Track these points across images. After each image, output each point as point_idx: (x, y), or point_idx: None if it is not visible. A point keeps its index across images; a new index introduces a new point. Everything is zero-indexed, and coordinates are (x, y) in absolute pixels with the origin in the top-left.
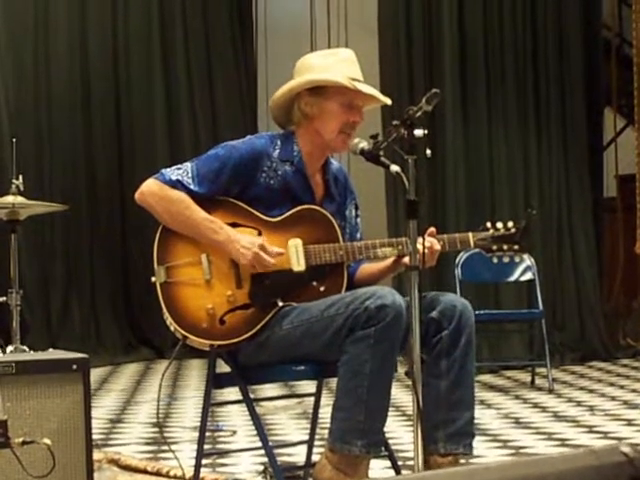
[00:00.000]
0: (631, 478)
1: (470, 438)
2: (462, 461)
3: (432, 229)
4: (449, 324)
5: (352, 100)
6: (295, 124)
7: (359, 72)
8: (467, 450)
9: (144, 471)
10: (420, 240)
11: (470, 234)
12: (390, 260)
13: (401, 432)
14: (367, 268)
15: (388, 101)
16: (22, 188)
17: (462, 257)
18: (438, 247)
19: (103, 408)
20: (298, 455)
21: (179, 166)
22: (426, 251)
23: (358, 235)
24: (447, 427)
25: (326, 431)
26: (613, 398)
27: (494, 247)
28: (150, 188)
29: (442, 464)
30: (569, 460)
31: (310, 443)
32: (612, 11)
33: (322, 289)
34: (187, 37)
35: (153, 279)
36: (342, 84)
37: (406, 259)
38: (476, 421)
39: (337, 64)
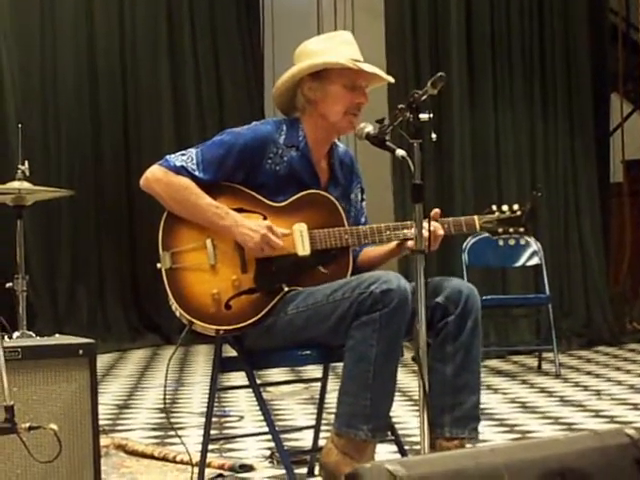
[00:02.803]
0: (635, 460)
1: (475, 422)
2: (468, 445)
3: (436, 211)
4: (455, 309)
5: (355, 81)
6: (299, 110)
7: (359, 53)
8: (472, 434)
9: (151, 456)
10: (425, 224)
11: (476, 217)
12: (394, 243)
13: (407, 417)
14: (371, 251)
15: (391, 79)
16: (28, 173)
17: (469, 242)
18: (441, 232)
19: (110, 394)
20: (305, 440)
21: (184, 152)
22: (425, 234)
23: (363, 219)
24: (453, 411)
25: (332, 416)
26: (619, 382)
27: (500, 230)
28: (155, 174)
29: (447, 448)
30: (573, 442)
31: (316, 428)
32: None
33: (327, 273)
34: (194, 24)
35: (158, 265)
36: (344, 65)
37: (410, 242)
38: (483, 406)
39: (337, 47)
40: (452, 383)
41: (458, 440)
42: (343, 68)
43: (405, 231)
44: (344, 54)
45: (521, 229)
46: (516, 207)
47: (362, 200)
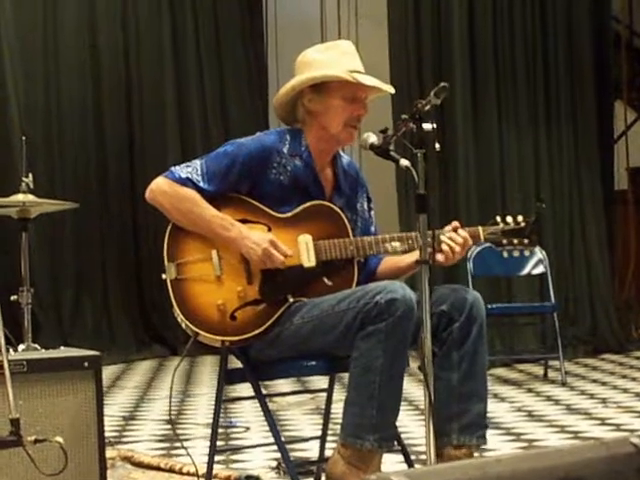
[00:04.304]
0: None
1: (483, 429)
2: (476, 454)
3: (456, 223)
4: (460, 316)
5: (355, 93)
6: (300, 121)
7: (360, 64)
8: (480, 441)
9: (157, 468)
10: (445, 234)
11: (480, 228)
12: (416, 255)
13: (413, 426)
14: (390, 261)
15: (391, 90)
16: (32, 186)
17: (474, 251)
18: (471, 242)
19: (116, 405)
20: (311, 450)
21: (188, 164)
22: (457, 248)
23: (372, 228)
24: (460, 419)
25: (339, 426)
26: (625, 390)
27: (504, 241)
28: (160, 186)
29: (455, 456)
30: (579, 452)
31: (323, 438)
32: (622, 3)
33: (332, 284)
34: (197, 32)
35: (164, 276)
36: (343, 78)
37: (439, 256)
38: (489, 414)
39: (337, 58)
40: (458, 391)
41: (466, 448)
42: (343, 81)
43: (410, 242)
44: (344, 66)
45: (525, 241)
46: (520, 219)
47: (370, 210)
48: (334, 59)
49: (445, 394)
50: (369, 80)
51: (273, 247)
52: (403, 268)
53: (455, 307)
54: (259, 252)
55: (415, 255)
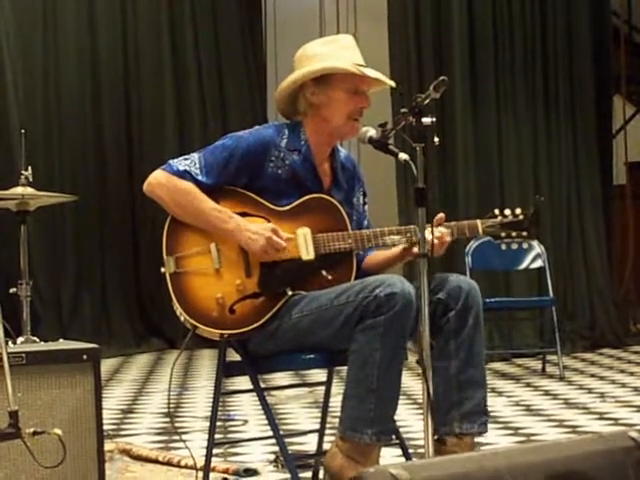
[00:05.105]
0: (638, 462)
1: (484, 416)
2: (477, 440)
3: (441, 215)
4: (456, 304)
5: (358, 86)
6: (302, 114)
7: (361, 57)
8: (482, 429)
9: (155, 461)
10: (429, 229)
11: (478, 221)
12: (399, 248)
13: (412, 420)
14: (376, 255)
15: (392, 83)
16: (31, 179)
17: (472, 245)
18: (448, 238)
19: (115, 398)
20: (309, 444)
21: (186, 157)
22: (435, 241)
23: (365, 222)
24: (460, 407)
25: (337, 420)
26: (624, 385)
27: (502, 234)
28: (158, 179)
29: (458, 446)
30: (577, 445)
31: (321, 432)
32: None
33: (331, 278)
34: (196, 29)
35: (162, 269)
36: (349, 70)
37: (416, 249)
38: (487, 408)
39: (339, 51)
40: (457, 379)
41: (469, 436)
42: (346, 73)
43: (408, 235)
44: (346, 59)
45: (524, 233)
46: (519, 211)
47: (364, 204)
48: (336, 52)
49: (444, 383)
50: (373, 72)
51: (275, 235)
52: (387, 261)
53: (451, 295)
54: (262, 242)
55: (400, 247)
